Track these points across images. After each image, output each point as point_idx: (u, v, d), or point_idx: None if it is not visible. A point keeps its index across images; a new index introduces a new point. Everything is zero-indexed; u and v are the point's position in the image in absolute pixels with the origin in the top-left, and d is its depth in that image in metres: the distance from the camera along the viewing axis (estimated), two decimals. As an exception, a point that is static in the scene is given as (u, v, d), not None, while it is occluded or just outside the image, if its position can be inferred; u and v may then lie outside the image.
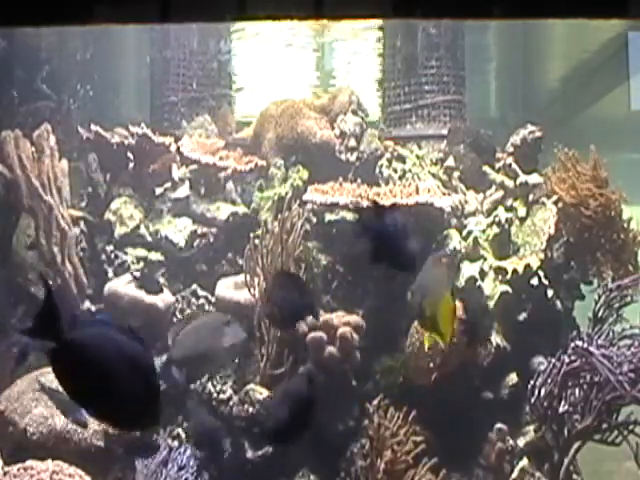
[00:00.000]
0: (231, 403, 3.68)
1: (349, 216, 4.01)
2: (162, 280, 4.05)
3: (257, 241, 3.74)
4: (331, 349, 3.58)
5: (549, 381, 3.24)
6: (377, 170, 4.33)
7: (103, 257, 4.12)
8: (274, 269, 3.62)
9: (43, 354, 1.64)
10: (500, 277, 3.83)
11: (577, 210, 3.91)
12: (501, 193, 4.15)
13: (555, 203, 3.96)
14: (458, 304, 3.22)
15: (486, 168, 4.25)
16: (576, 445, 3.29)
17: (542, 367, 3.38)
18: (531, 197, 4.10)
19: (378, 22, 5.08)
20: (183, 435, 3.76)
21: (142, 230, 4.19)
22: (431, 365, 3.53)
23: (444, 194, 4.05)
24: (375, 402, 3.32)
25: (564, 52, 6.40)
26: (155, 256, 4.11)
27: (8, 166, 3.79)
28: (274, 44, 6.02)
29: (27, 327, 1.58)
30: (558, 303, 3.93)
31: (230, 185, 4.40)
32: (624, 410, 3.22)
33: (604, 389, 3.14)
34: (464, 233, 4.06)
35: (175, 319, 3.94)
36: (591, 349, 3.15)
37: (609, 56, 5.90)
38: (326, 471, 3.66)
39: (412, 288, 2.62)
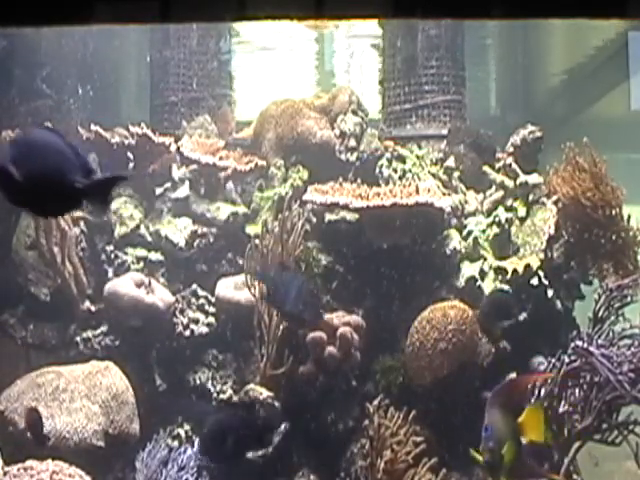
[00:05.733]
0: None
1: (349, 216, 4.01)
2: (162, 280, 4.05)
3: (257, 241, 3.74)
4: (331, 349, 3.58)
5: (549, 381, 3.23)
6: (377, 170, 4.33)
7: (103, 257, 4.12)
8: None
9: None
10: (500, 277, 3.83)
11: (577, 210, 3.90)
12: (501, 193, 4.15)
13: (555, 203, 3.96)
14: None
15: (486, 168, 4.25)
16: (576, 445, 3.28)
17: (542, 367, 3.37)
18: (531, 197, 4.10)
19: (378, 22, 5.09)
20: (183, 435, 3.76)
21: (142, 230, 4.19)
22: (431, 365, 3.53)
23: (444, 194, 4.05)
24: (375, 402, 3.31)
25: (564, 52, 6.40)
26: (155, 256, 4.11)
27: (8, 166, 3.78)
28: (274, 44, 6.03)
29: None
30: (558, 303, 3.93)
31: (230, 185, 4.39)
32: (624, 410, 3.22)
33: (604, 389, 3.13)
34: (464, 233, 4.06)
35: (175, 319, 3.94)
36: (591, 349, 3.14)
37: (609, 56, 5.90)
38: (326, 471, 3.65)
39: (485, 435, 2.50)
